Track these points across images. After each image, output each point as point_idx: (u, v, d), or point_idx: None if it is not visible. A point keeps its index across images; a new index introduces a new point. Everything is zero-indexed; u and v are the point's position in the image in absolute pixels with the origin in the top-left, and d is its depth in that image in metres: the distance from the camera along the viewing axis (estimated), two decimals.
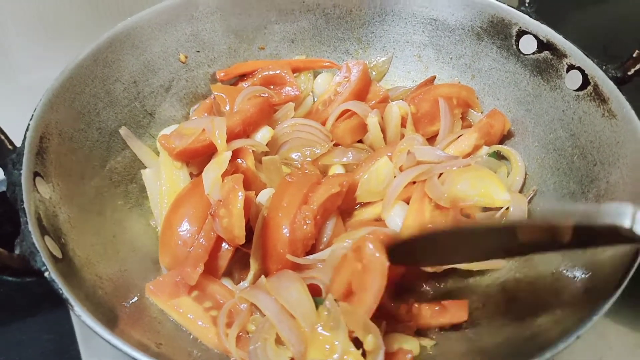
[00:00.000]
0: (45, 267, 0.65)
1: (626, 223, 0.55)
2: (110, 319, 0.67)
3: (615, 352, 0.89)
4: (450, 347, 0.76)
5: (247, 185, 0.85)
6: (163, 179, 0.90)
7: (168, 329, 0.76)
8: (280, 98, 1.01)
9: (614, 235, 0.57)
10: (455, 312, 0.78)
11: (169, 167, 0.91)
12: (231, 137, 0.89)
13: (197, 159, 0.91)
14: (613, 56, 0.88)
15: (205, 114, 0.99)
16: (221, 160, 0.86)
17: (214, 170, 0.85)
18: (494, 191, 0.85)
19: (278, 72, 1.03)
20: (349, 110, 0.97)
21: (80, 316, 0.62)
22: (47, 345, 0.91)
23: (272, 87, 1.02)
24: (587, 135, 0.87)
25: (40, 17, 1.09)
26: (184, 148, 0.89)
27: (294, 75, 1.04)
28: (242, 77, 1.04)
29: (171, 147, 0.89)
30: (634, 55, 0.85)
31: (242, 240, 0.78)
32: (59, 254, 0.70)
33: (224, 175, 0.84)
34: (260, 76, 1.03)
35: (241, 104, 0.95)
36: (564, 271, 0.77)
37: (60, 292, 0.64)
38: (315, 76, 1.08)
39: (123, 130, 0.91)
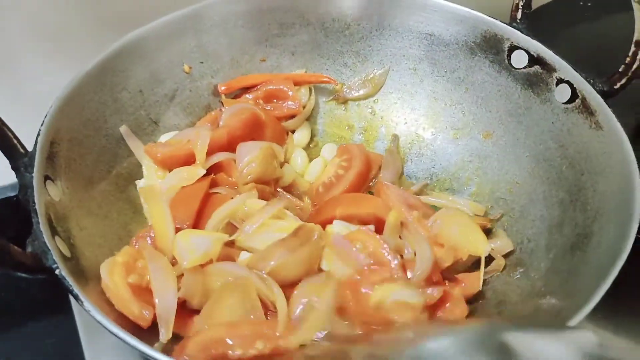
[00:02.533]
0: (56, 265, 0.68)
1: None
2: (117, 318, 0.70)
3: None
4: None
5: None
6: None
7: None
8: (282, 112, 1.05)
9: None
10: (470, 283, 0.82)
11: (154, 179, 0.93)
12: (215, 150, 0.92)
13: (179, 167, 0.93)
14: (605, 72, 0.91)
15: (208, 125, 1.02)
16: (192, 172, 0.89)
17: (178, 178, 0.88)
18: (477, 240, 0.87)
19: (281, 87, 1.06)
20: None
21: (90, 311, 0.65)
22: (49, 349, 0.93)
23: (275, 100, 1.06)
24: (576, 146, 0.90)
25: (49, 28, 1.12)
26: (166, 155, 0.92)
27: (295, 88, 1.07)
28: (245, 89, 1.07)
29: (155, 154, 0.92)
30: (620, 70, 0.89)
31: None
32: (68, 254, 0.73)
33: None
34: (263, 90, 1.06)
35: (228, 119, 0.97)
36: (549, 268, 0.82)
37: (71, 288, 0.67)
38: (314, 90, 1.11)
39: (123, 129, 0.94)
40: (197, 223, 0.85)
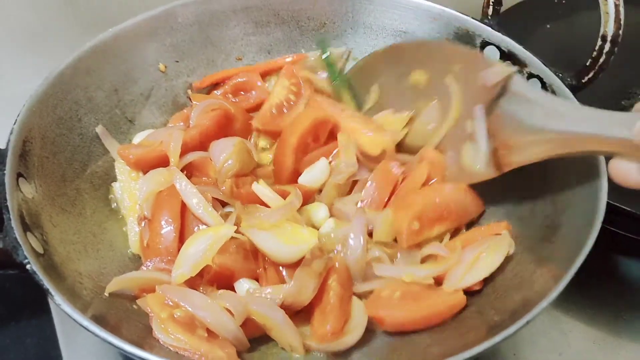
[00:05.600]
0: (27, 260, 0.68)
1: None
2: (89, 311, 0.70)
3: (574, 347, 0.93)
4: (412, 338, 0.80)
5: None
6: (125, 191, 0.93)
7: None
8: (250, 103, 1.06)
9: None
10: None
11: (127, 180, 0.93)
12: (187, 149, 0.92)
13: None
14: (577, 69, 0.93)
15: (181, 123, 1.02)
16: (169, 176, 0.88)
17: (154, 182, 0.88)
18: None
19: (248, 79, 1.07)
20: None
21: (60, 305, 0.66)
22: (29, 349, 0.93)
23: (242, 92, 1.07)
24: None
25: (25, 28, 1.13)
26: (138, 157, 0.92)
27: (265, 79, 1.08)
28: (216, 85, 1.08)
29: (128, 156, 0.92)
30: (587, 64, 0.91)
31: None
32: (40, 250, 0.74)
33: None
34: (231, 84, 1.07)
35: (198, 118, 0.97)
36: (519, 258, 0.83)
37: (41, 282, 0.67)
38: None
39: (99, 129, 0.95)
40: (184, 223, 0.86)
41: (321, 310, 0.79)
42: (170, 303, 0.76)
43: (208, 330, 0.75)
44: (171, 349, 0.72)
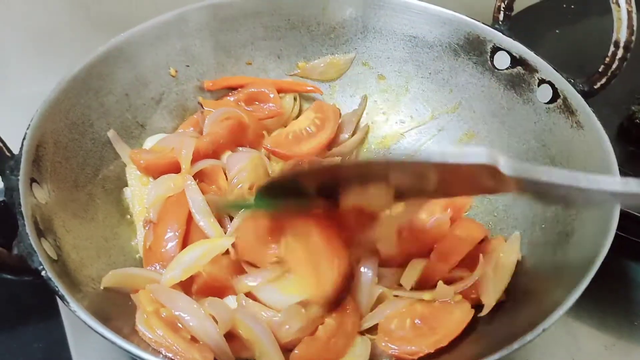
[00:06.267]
0: (42, 267, 0.68)
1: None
2: (103, 317, 0.70)
3: (585, 352, 0.93)
4: None
5: None
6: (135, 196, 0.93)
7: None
8: (263, 114, 1.06)
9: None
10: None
11: (137, 185, 0.94)
12: (199, 157, 0.92)
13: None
14: (589, 73, 0.93)
15: (191, 129, 1.03)
16: (179, 182, 0.88)
17: (164, 187, 0.88)
18: None
19: (263, 89, 1.07)
20: None
21: (75, 312, 0.66)
22: (37, 354, 0.92)
23: (256, 102, 1.07)
24: (558, 145, 0.92)
25: (37, 32, 1.13)
26: (149, 162, 0.93)
27: (280, 95, 1.08)
28: (230, 90, 1.08)
29: (139, 161, 0.93)
30: (600, 70, 0.91)
31: None
32: (54, 256, 0.74)
33: None
34: (245, 92, 1.07)
35: (212, 126, 0.98)
36: (532, 266, 0.83)
37: (57, 289, 0.67)
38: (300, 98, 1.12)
39: (111, 133, 0.95)
40: (189, 231, 0.86)
41: None
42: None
43: (192, 336, 0.74)
44: (149, 343, 0.72)
